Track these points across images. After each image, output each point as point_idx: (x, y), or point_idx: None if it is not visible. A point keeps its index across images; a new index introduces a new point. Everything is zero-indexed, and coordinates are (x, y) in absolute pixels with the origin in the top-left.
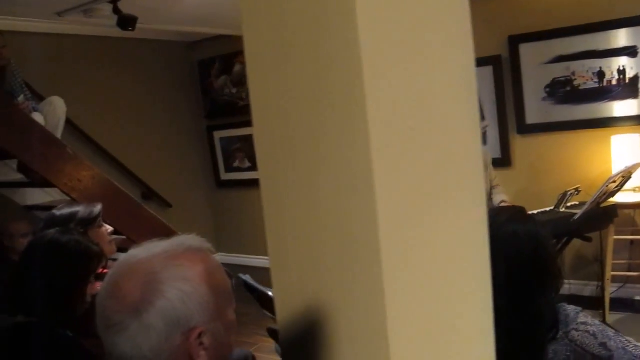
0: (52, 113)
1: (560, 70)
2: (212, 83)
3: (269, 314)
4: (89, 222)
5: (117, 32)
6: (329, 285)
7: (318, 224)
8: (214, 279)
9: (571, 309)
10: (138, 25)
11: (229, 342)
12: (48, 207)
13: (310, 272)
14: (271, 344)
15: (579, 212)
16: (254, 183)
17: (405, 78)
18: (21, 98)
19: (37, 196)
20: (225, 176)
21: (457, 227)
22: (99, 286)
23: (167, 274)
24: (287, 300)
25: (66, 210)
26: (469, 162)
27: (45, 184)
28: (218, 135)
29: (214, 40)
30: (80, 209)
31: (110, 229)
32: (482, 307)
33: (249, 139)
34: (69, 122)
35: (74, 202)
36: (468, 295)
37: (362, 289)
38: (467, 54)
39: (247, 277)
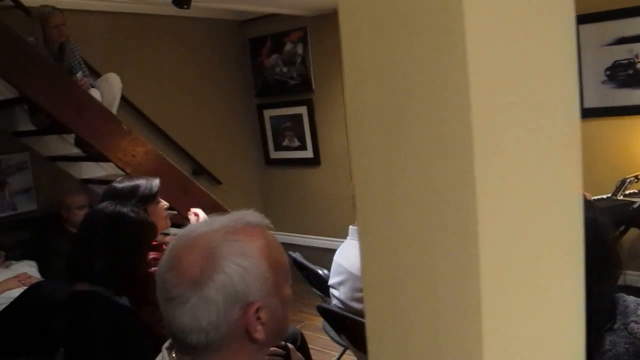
0: (108, 89)
1: (622, 53)
2: (263, 62)
3: (317, 291)
4: (150, 198)
5: (172, 10)
6: (422, 300)
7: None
8: (273, 255)
9: (631, 299)
10: (192, 4)
11: (286, 317)
12: (103, 181)
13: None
14: (318, 322)
15: (637, 200)
16: (303, 162)
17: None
18: (79, 75)
19: (92, 170)
20: (274, 154)
21: (556, 223)
22: (151, 256)
23: (227, 248)
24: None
25: (127, 184)
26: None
27: (101, 158)
28: (268, 113)
29: (266, 19)
30: (141, 184)
31: (166, 204)
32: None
33: (298, 118)
34: (123, 98)
35: (131, 176)
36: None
37: (456, 284)
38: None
39: (297, 255)
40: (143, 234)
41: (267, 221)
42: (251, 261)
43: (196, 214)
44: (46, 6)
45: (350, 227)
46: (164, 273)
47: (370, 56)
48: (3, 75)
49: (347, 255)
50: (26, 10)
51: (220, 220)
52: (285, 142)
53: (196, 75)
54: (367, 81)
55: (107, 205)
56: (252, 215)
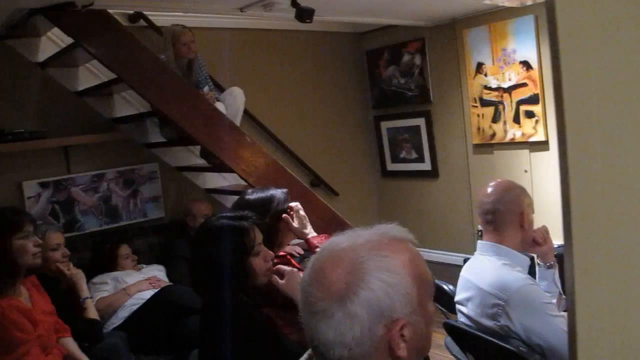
0: (233, 103)
1: None
2: (380, 73)
3: (441, 307)
4: (282, 212)
5: (293, 25)
6: None
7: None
8: (417, 271)
9: None
10: (314, 17)
11: (429, 334)
12: (225, 191)
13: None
14: (439, 338)
15: None
16: (420, 174)
17: None
18: (206, 89)
19: (215, 180)
20: (391, 166)
21: None
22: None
23: (372, 264)
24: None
25: (259, 195)
26: None
27: (224, 169)
28: (385, 125)
29: (383, 30)
30: (275, 197)
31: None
32: None
33: (416, 130)
34: (245, 111)
35: (262, 187)
36: None
37: None
38: None
39: None
40: (237, 242)
41: (411, 236)
42: (396, 277)
43: (290, 208)
44: (177, 25)
45: (479, 241)
46: (308, 286)
47: (595, 57)
48: (139, 90)
49: (475, 271)
50: (158, 30)
51: (365, 234)
52: (403, 154)
53: (314, 88)
54: (590, 87)
55: (213, 219)
56: (396, 230)
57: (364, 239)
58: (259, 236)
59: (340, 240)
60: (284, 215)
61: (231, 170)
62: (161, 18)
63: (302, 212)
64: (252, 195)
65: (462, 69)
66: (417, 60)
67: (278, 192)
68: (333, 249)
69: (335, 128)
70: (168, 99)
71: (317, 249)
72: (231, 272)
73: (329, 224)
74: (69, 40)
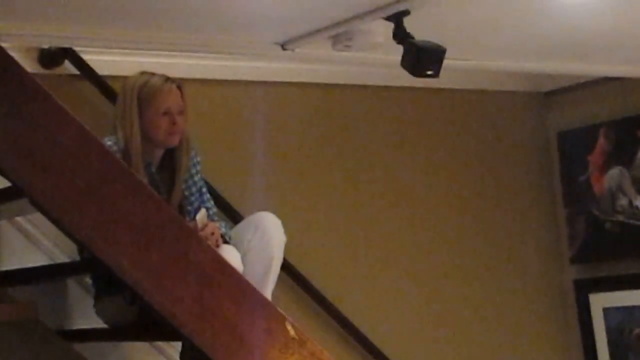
0: (259, 246)
1: None
2: (590, 183)
3: None
4: None
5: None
6: None
7: None
8: None
9: None
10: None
11: None
12: None
13: None
14: None
15: None
16: None
17: None
18: (201, 216)
19: None
20: None
21: None
22: None
23: None
24: None
25: None
26: None
27: None
28: (600, 301)
29: (594, 89)
30: None
31: None
32: None
33: None
34: (286, 266)
35: None
36: None
37: None
38: None
39: None
40: None
41: None
42: None
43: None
44: (152, 75)
45: None
46: None
47: None
48: (51, 212)
49: None
50: (103, 85)
51: None
52: None
53: (439, 218)
54: None
55: None
56: None
57: None
58: None
59: None
60: None
61: None
62: (111, 60)
63: None
64: None
65: None
66: None
67: None
68: None
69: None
70: (118, 235)
71: None
72: None
73: None
74: None
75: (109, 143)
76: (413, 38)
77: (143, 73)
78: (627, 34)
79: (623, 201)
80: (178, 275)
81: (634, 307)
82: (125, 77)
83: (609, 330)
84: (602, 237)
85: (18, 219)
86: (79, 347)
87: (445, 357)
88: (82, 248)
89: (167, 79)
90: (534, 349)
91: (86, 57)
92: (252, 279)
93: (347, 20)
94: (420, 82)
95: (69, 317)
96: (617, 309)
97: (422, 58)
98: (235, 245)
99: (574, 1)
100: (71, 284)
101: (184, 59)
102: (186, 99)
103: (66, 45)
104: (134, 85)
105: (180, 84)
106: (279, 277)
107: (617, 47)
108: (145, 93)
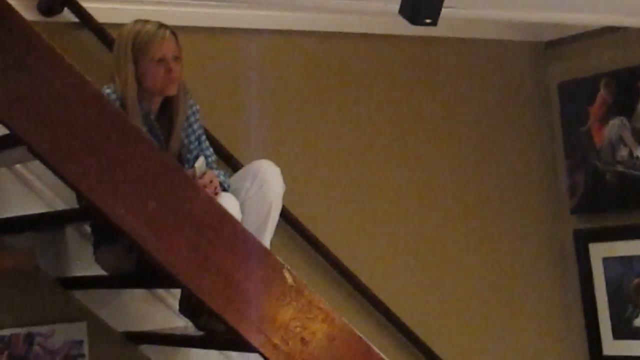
0: (258, 195)
1: None
2: (590, 134)
3: None
4: None
5: (404, 29)
6: None
7: None
8: None
9: None
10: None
11: None
12: None
13: None
14: None
15: None
16: None
17: None
18: (200, 164)
19: None
20: (612, 348)
21: None
22: None
23: None
24: None
25: None
26: None
27: (240, 343)
28: (600, 251)
29: (595, 39)
30: None
31: None
32: None
33: None
34: (285, 214)
35: None
36: None
37: None
38: None
39: None
40: None
41: None
42: None
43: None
44: (146, 22)
45: None
46: None
47: None
48: (51, 161)
49: None
50: (102, 33)
51: None
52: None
53: (441, 171)
54: None
55: None
56: None
57: None
58: None
59: None
60: None
61: (251, 348)
62: (111, 8)
63: None
64: None
65: None
66: None
67: None
68: None
69: (484, 261)
70: (116, 184)
71: None
72: None
73: None
74: None
75: (107, 92)
76: None
77: (137, 21)
78: None
79: (623, 152)
80: (175, 224)
81: (633, 258)
82: (122, 27)
83: (608, 280)
84: (602, 187)
85: (17, 166)
86: (78, 294)
87: (445, 305)
88: (80, 196)
89: (161, 25)
90: (534, 298)
91: (85, 4)
92: (251, 227)
93: None
94: (419, 30)
95: (68, 265)
96: (617, 259)
97: (421, 6)
98: (233, 194)
99: None
100: (70, 232)
101: (183, 7)
102: (181, 44)
103: None
104: (128, 34)
105: (175, 33)
106: (278, 226)
107: None
108: (139, 41)
